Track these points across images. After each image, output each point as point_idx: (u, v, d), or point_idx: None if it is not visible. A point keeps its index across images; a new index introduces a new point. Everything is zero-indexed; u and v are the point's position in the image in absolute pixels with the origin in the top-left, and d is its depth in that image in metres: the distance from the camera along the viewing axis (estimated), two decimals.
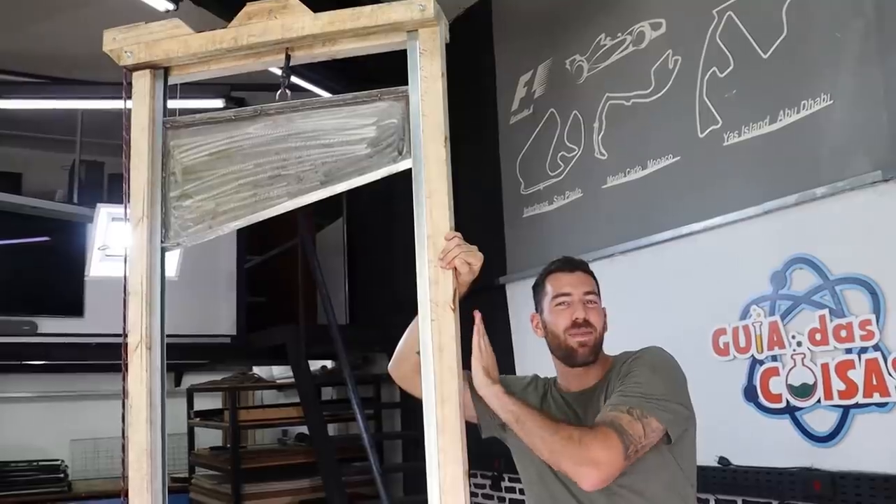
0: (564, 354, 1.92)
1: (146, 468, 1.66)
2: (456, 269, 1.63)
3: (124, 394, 1.69)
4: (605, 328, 1.95)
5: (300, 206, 1.79)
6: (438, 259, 1.64)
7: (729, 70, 3.29)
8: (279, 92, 1.81)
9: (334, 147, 1.76)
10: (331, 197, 1.83)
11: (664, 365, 1.85)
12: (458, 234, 1.65)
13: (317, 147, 1.77)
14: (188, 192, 1.80)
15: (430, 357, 1.61)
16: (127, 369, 1.69)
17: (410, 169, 1.70)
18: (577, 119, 4.17)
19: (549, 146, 4.39)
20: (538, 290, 2.02)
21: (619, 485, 1.73)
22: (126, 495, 1.66)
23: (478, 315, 1.68)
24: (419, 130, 1.69)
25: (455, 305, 1.63)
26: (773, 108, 3.08)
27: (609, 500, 1.77)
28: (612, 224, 3.86)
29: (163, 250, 1.77)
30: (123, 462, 1.68)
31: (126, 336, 1.71)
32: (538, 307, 2.01)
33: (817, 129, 2.93)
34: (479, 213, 4.69)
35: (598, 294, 1.97)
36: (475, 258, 1.64)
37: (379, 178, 1.75)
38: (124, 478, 1.67)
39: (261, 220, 1.80)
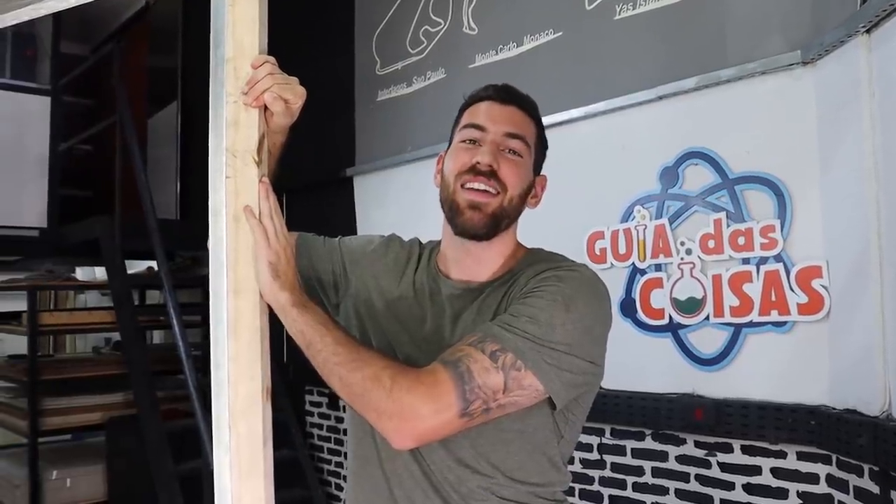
0: (448, 211, 1.36)
1: None
2: (266, 107, 1.15)
3: None
4: (527, 198, 1.39)
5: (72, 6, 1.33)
6: (241, 93, 1.12)
7: None
8: None
9: None
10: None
11: (585, 301, 1.27)
12: (272, 60, 1.15)
13: None
14: None
15: (223, 229, 1.10)
16: None
17: None
18: None
19: (411, 19, 3.83)
20: (455, 122, 1.45)
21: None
22: None
23: (264, 183, 1.15)
24: None
25: (260, 158, 1.13)
26: None
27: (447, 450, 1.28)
28: None
29: None
30: None
31: None
32: (448, 145, 1.45)
33: (726, 2, 2.50)
34: (325, 94, 4.13)
35: (536, 148, 1.41)
36: (294, 94, 1.16)
37: None
38: None
39: (14, 22, 1.40)
